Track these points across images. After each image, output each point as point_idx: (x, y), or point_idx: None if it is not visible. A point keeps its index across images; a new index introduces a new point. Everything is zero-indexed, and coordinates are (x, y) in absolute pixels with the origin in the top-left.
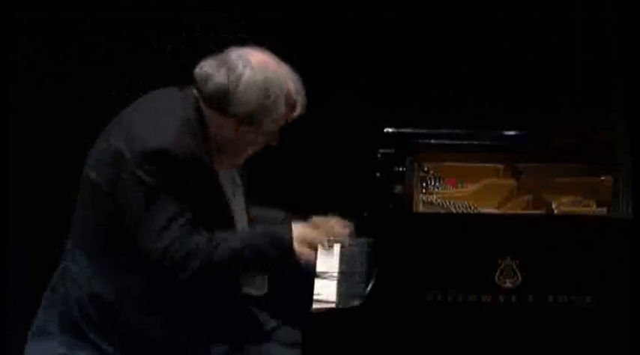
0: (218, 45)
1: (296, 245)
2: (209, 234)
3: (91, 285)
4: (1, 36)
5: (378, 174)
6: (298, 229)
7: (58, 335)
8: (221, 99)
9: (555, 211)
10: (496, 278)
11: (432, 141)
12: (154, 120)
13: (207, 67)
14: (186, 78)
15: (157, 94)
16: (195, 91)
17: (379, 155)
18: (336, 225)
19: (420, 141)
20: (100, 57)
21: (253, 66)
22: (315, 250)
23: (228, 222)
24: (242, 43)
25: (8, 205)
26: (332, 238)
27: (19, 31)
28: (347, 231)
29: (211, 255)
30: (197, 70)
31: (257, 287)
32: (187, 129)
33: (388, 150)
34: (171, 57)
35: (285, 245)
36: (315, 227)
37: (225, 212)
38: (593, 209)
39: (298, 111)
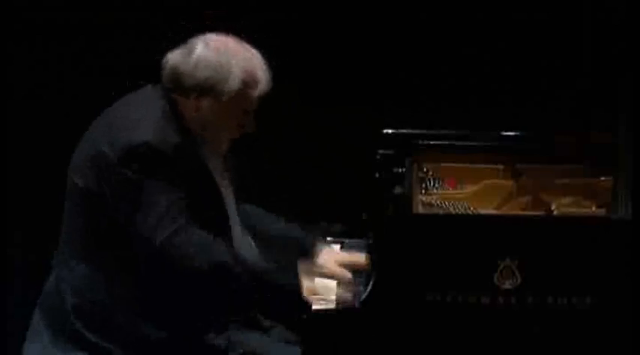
0: None
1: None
2: (220, 238)
3: (84, 289)
4: (0, 36)
5: (377, 175)
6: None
7: (54, 340)
8: (175, 77)
9: (555, 212)
10: (495, 279)
11: (432, 142)
12: (132, 117)
13: (169, 53)
14: None
15: (132, 95)
16: (162, 82)
17: (378, 156)
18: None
19: (420, 142)
20: (99, 57)
21: (209, 44)
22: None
23: (221, 211)
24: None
25: (8, 205)
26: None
27: (19, 31)
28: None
29: (217, 265)
30: (162, 60)
31: None
32: (165, 120)
33: (387, 151)
34: None
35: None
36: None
37: (217, 200)
38: (592, 210)
39: (261, 90)
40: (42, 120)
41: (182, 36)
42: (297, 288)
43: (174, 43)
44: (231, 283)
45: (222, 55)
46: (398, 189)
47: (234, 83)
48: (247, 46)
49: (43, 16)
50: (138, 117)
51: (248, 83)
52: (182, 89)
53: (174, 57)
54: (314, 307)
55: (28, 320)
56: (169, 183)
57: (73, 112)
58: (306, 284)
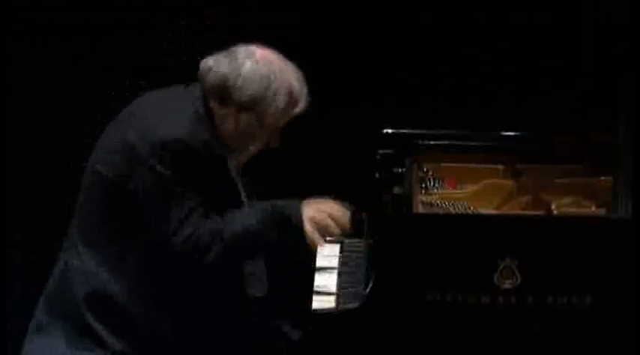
0: (217, 45)
1: (306, 226)
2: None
3: (96, 279)
4: (0, 36)
5: (377, 175)
6: (308, 207)
7: (61, 332)
8: (222, 89)
9: (555, 212)
10: (495, 279)
11: (432, 141)
12: (166, 114)
13: (211, 60)
14: (185, 77)
15: (163, 91)
16: (199, 87)
17: (378, 156)
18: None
19: (420, 141)
20: (99, 57)
21: (257, 58)
22: (324, 236)
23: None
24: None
25: (8, 205)
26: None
27: (19, 31)
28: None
29: (224, 232)
30: (202, 64)
31: (258, 289)
32: (199, 121)
33: (387, 151)
34: (170, 57)
35: (293, 225)
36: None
37: (238, 203)
38: (592, 210)
39: (300, 108)
40: (42, 120)
41: (182, 36)
42: (300, 219)
43: (174, 43)
44: (257, 243)
45: (270, 71)
46: (398, 189)
47: (279, 103)
48: (289, 63)
49: (43, 16)
50: (171, 113)
51: (290, 102)
52: (225, 100)
53: (219, 66)
54: (314, 303)
55: (28, 320)
56: (196, 182)
57: (73, 112)
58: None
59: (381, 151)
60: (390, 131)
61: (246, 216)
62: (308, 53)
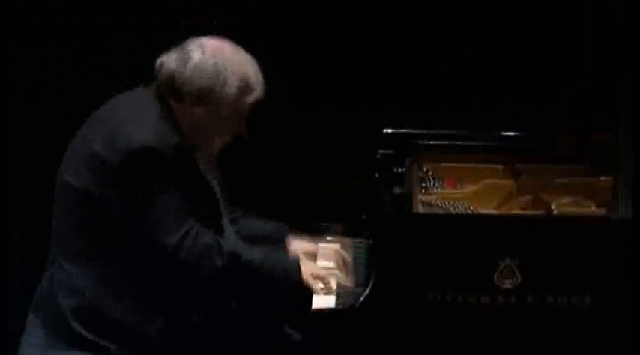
0: None
1: (307, 279)
2: (224, 238)
3: (80, 290)
4: (0, 36)
5: (377, 175)
6: (306, 265)
7: (51, 342)
8: (171, 84)
9: (555, 212)
10: (495, 279)
11: (432, 141)
12: (128, 119)
13: (163, 57)
14: None
15: (123, 96)
16: (156, 85)
17: (378, 155)
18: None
19: (420, 141)
20: (99, 57)
21: (205, 50)
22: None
23: (216, 209)
24: (239, 43)
25: (8, 205)
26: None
27: (19, 31)
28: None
29: (228, 260)
30: (156, 61)
31: None
32: (163, 122)
33: (387, 151)
34: None
35: (295, 279)
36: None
37: (212, 199)
38: (592, 210)
39: (256, 96)
40: (42, 120)
41: (181, 36)
42: (297, 271)
43: (174, 44)
44: (239, 276)
45: (218, 61)
46: (398, 189)
47: (230, 91)
48: (242, 52)
49: (43, 16)
50: (135, 119)
51: (243, 90)
52: (178, 96)
53: (169, 62)
54: (314, 303)
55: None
56: (174, 184)
57: (73, 112)
58: (306, 266)
59: (381, 151)
60: (390, 131)
61: (255, 253)
62: (308, 53)
